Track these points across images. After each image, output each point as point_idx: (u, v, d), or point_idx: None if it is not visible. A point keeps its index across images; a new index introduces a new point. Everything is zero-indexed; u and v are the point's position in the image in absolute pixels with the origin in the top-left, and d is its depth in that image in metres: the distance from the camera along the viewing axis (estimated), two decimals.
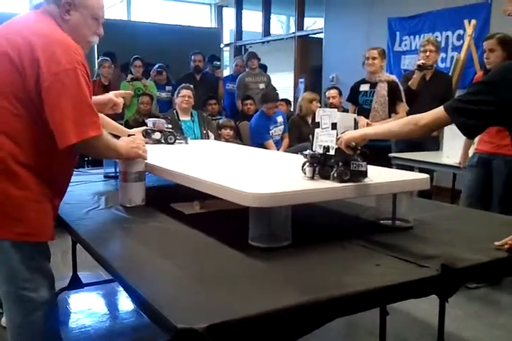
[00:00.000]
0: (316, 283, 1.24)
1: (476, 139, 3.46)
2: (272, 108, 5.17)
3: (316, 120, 1.71)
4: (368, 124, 4.25)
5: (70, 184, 2.41)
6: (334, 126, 1.63)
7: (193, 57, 6.40)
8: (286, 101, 6.46)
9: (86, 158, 5.71)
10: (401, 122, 1.60)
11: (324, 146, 1.63)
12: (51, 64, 1.52)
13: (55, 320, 1.81)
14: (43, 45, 1.54)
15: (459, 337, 2.54)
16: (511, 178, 3.25)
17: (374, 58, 4.31)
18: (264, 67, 7.11)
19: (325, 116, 1.68)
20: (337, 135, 1.61)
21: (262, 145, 5.02)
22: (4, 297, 1.71)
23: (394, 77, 4.45)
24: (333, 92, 5.48)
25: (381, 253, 1.45)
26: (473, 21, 5.14)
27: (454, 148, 3.60)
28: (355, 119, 1.70)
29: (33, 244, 1.65)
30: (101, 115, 2.11)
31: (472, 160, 3.42)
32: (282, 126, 5.29)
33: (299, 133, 5.27)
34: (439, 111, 1.50)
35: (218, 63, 6.68)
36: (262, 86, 6.36)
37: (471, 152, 3.48)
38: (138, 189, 2.01)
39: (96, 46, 7.75)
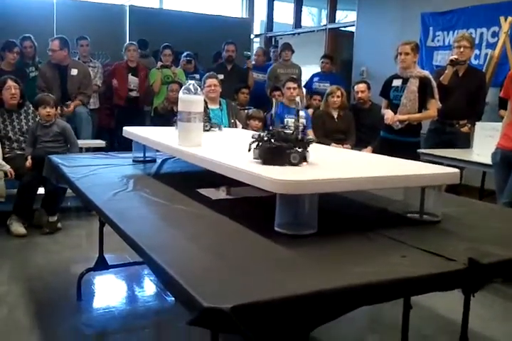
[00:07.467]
0: (340, 270, 1.24)
1: (499, 133, 3.39)
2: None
3: None
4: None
5: (99, 167, 2.47)
6: None
7: (225, 47, 6.36)
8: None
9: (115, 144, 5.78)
10: None
11: None
12: None
13: None
14: None
15: (483, 335, 2.51)
16: None
17: (407, 54, 4.18)
18: None
19: None
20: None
21: None
22: None
23: (426, 73, 4.30)
24: (362, 86, 5.41)
25: (407, 245, 1.44)
26: (510, 18, 5.02)
27: (485, 146, 3.53)
28: None
29: None
30: None
31: (495, 158, 3.36)
32: (303, 120, 5.27)
33: (322, 127, 5.27)
34: None
35: (249, 53, 6.66)
36: None
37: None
38: (198, 130, 2.06)
39: (128, 34, 7.82)
